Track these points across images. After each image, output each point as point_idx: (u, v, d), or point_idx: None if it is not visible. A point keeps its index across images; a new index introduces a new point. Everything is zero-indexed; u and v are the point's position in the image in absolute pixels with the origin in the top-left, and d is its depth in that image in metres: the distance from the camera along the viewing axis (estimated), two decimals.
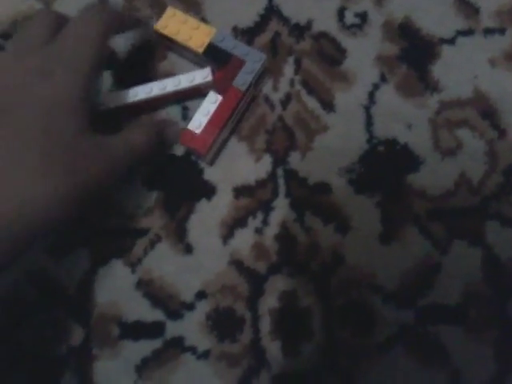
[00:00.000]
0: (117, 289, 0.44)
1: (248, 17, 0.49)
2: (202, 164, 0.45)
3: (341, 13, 0.48)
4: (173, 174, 0.46)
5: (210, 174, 0.45)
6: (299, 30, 0.48)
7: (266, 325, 0.42)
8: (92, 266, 0.44)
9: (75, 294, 0.44)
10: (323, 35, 0.47)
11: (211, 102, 0.44)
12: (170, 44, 0.47)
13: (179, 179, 0.45)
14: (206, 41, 0.45)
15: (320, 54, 0.47)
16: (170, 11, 0.46)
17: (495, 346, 0.40)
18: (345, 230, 0.43)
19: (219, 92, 0.44)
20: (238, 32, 0.48)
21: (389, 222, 0.43)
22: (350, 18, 0.48)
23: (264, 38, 0.48)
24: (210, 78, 0.44)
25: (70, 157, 0.34)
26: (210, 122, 0.43)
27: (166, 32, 0.46)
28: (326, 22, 0.48)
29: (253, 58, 0.45)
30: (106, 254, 0.44)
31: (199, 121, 0.43)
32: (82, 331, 0.43)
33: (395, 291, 0.41)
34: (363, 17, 0.48)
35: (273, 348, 0.41)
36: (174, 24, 0.46)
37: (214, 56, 0.45)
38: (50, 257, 0.44)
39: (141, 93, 0.44)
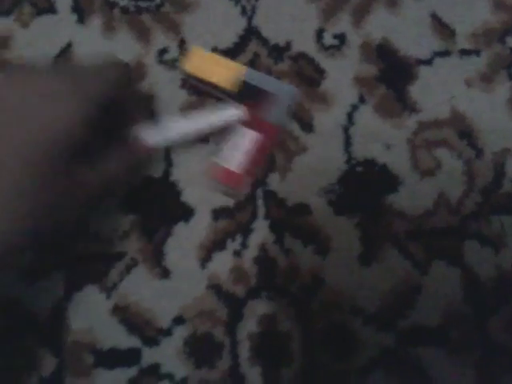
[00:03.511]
0: (92, 315, 0.44)
1: (227, 38, 0.51)
2: (180, 186, 0.47)
3: (319, 34, 0.50)
4: (150, 197, 0.47)
5: (188, 195, 0.46)
6: (278, 51, 0.50)
7: (245, 350, 0.43)
8: (66, 291, 0.45)
9: (48, 321, 0.44)
10: (302, 56, 0.49)
11: (245, 138, 0.45)
12: (198, 83, 0.48)
13: (156, 201, 0.46)
14: (238, 79, 0.47)
15: (299, 74, 0.49)
16: (196, 50, 0.48)
17: (477, 367, 0.41)
18: (325, 252, 0.44)
19: (250, 127, 0.45)
20: (217, 52, 0.50)
21: (369, 243, 0.44)
22: (328, 39, 0.50)
23: (243, 58, 0.50)
24: (243, 114, 0.45)
25: (42, 195, 0.35)
26: (250, 160, 0.44)
27: (196, 73, 0.47)
28: (304, 43, 0.50)
29: (284, 93, 0.46)
30: (81, 279, 0.45)
31: (235, 158, 0.44)
32: (55, 360, 0.43)
33: (376, 313, 0.42)
34: (341, 38, 0.50)
35: (252, 374, 0.42)
36: (202, 64, 0.47)
37: (245, 93, 0.46)
38: (23, 282, 0.45)
39: (174, 130, 0.44)
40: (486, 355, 0.41)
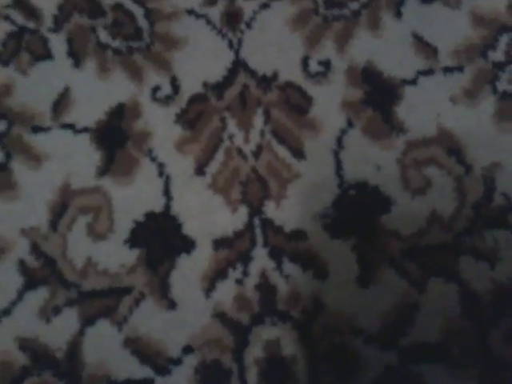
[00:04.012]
0: (105, 348, 0.47)
1: (216, 72, 0.53)
2: (180, 219, 0.49)
3: (305, 62, 0.52)
4: (152, 231, 0.49)
5: (189, 228, 0.48)
6: (266, 82, 0.52)
7: (252, 375, 0.44)
8: (80, 327, 0.47)
9: (64, 357, 0.47)
10: (289, 85, 0.51)
11: None
12: None
13: (159, 235, 0.49)
14: None
15: (287, 103, 0.51)
16: None
17: (479, 381, 0.42)
18: (323, 276, 0.46)
19: None
20: (208, 87, 0.53)
21: (365, 265, 0.45)
22: (314, 66, 0.51)
23: (233, 91, 0.52)
24: None
25: None
26: None
27: None
28: (291, 71, 0.52)
29: None
30: (93, 314, 0.48)
31: None
32: None
33: (376, 333, 0.44)
34: (326, 64, 0.51)
35: None
36: None
37: None
38: (39, 319, 0.48)
39: None
40: (487, 369, 0.42)
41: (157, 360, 0.46)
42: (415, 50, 0.51)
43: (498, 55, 0.50)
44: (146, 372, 0.46)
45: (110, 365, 0.46)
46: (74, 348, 0.47)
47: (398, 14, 0.51)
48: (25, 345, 0.47)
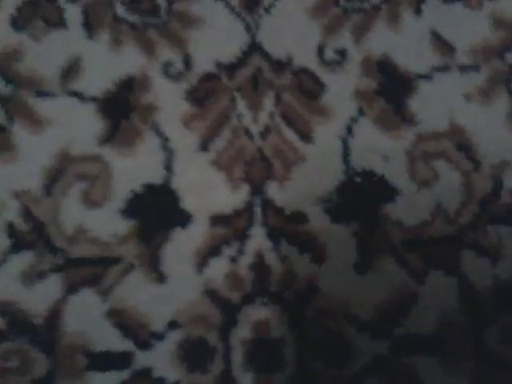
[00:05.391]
0: (87, 318, 0.48)
1: (231, 53, 0.56)
2: (179, 193, 0.51)
3: (321, 49, 0.55)
4: (149, 203, 0.51)
5: (187, 202, 0.50)
6: (280, 66, 0.55)
7: (238, 355, 0.46)
8: (63, 294, 0.49)
9: (43, 324, 0.48)
10: (303, 70, 0.54)
11: None
12: None
13: (155, 207, 0.51)
14: None
15: (299, 88, 0.54)
16: None
17: (471, 377, 0.43)
18: (321, 260, 0.48)
19: None
20: (221, 67, 0.56)
21: (365, 252, 0.47)
22: (329, 54, 0.55)
23: (246, 72, 0.55)
24: None
25: None
26: None
27: None
28: (306, 58, 0.55)
29: None
30: (78, 282, 0.49)
31: None
32: (48, 362, 0.47)
33: (370, 321, 0.45)
34: (343, 53, 0.55)
35: (244, 379, 0.45)
36: None
37: None
38: (21, 284, 0.49)
39: None
40: (480, 366, 0.44)
41: (139, 334, 0.47)
42: (432, 46, 0.54)
43: None
44: (126, 345, 0.47)
45: (90, 335, 0.48)
46: (55, 315, 0.48)
47: (418, 11, 0.55)
48: (3, 308, 0.48)
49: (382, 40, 0.55)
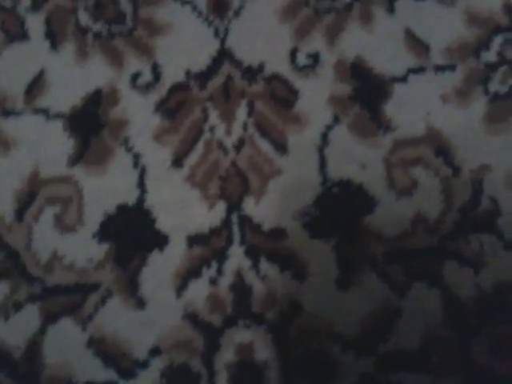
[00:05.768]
0: (67, 348, 0.47)
1: (200, 60, 0.54)
2: (154, 213, 0.50)
3: (293, 54, 0.53)
4: (124, 224, 0.50)
5: (162, 223, 0.49)
6: (252, 73, 0.53)
7: (222, 381, 0.45)
8: (41, 324, 0.48)
9: (22, 356, 0.47)
10: (275, 77, 0.53)
11: None
12: None
13: (130, 229, 0.50)
14: None
15: (272, 96, 0.52)
16: None
17: None
18: (302, 277, 0.46)
19: None
20: (190, 76, 0.54)
21: (346, 267, 0.46)
22: (302, 59, 0.53)
23: (217, 81, 0.53)
24: None
25: None
26: None
27: None
28: (278, 63, 0.53)
29: None
30: (56, 311, 0.48)
31: None
32: None
33: (355, 338, 0.44)
34: (315, 57, 0.53)
35: None
36: None
37: None
38: None
39: None
40: (468, 379, 0.43)
41: (122, 362, 0.46)
42: (407, 46, 0.52)
43: (490, 55, 0.51)
44: (109, 375, 0.46)
45: (71, 366, 0.47)
46: (34, 347, 0.47)
47: (391, 9, 0.53)
48: None
49: (355, 41, 0.53)
